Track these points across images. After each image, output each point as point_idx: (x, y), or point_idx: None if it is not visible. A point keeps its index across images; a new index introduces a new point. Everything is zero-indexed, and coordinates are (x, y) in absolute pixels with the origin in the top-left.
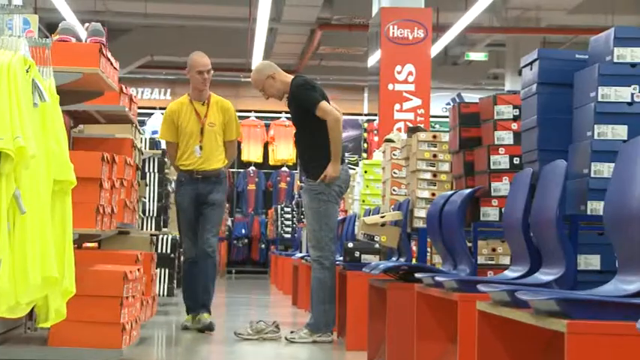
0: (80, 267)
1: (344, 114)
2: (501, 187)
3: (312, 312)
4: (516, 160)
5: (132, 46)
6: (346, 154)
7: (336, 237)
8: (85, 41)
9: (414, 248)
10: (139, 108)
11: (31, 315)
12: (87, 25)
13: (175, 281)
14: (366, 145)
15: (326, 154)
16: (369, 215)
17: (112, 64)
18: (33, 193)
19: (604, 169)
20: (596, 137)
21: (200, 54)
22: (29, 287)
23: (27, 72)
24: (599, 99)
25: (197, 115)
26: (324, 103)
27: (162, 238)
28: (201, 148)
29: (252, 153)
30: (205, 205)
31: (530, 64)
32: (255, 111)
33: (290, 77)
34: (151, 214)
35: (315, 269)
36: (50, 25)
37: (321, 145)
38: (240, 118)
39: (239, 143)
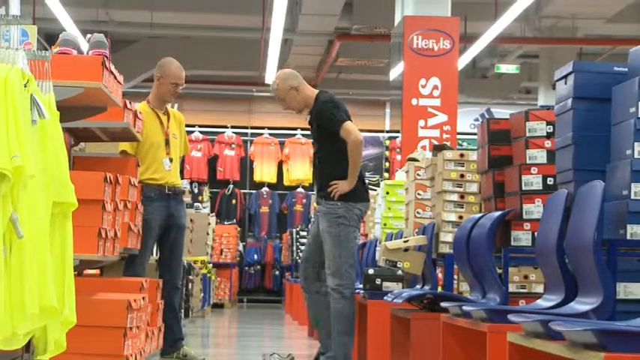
0: (81, 295)
1: (364, 130)
2: (534, 209)
3: (332, 344)
4: (550, 181)
5: (137, 58)
6: (366, 174)
7: (357, 263)
8: (87, 53)
9: (440, 275)
10: None
11: (28, 347)
12: (89, 36)
13: (183, 310)
14: (387, 164)
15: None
16: (391, 240)
17: (115, 77)
18: (31, 216)
19: None
20: (636, 156)
21: (179, 65)
22: (27, 317)
23: (25, 87)
24: None
25: (161, 124)
26: (348, 123)
27: None
28: (170, 160)
29: (265, 173)
30: (174, 229)
31: (565, 77)
32: (269, 128)
33: (314, 92)
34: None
35: (335, 299)
36: (50, 36)
37: (344, 167)
38: (253, 135)
39: (251, 162)
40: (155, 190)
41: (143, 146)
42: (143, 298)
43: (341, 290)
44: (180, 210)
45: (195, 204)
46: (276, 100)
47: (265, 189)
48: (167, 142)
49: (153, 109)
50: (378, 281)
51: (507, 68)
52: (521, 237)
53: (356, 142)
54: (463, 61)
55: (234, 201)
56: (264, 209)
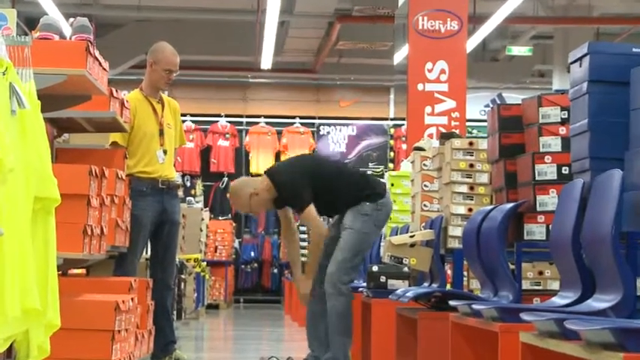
0: (66, 297)
1: (367, 118)
2: (548, 200)
3: (330, 345)
4: (565, 170)
5: (123, 43)
6: (370, 165)
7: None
8: (70, 38)
9: (449, 272)
10: None
11: (10, 352)
12: (72, 20)
13: (175, 312)
14: (392, 154)
15: (350, 190)
16: (396, 235)
17: (100, 64)
18: (11, 212)
19: None
20: None
21: (172, 50)
22: (8, 320)
23: (3, 75)
24: None
25: (155, 113)
26: (310, 210)
27: None
28: (165, 152)
29: (261, 164)
30: (167, 225)
31: (580, 59)
32: (265, 116)
33: (266, 179)
34: None
35: (330, 294)
36: (30, 21)
37: (341, 190)
38: (249, 124)
39: (247, 153)
40: (147, 184)
41: (135, 137)
42: (132, 299)
43: (338, 285)
44: (174, 205)
45: (188, 198)
46: (252, 213)
47: None
48: (161, 133)
49: (146, 97)
50: (382, 279)
51: (519, 50)
52: (535, 230)
53: (319, 235)
54: (472, 43)
55: (228, 195)
56: None
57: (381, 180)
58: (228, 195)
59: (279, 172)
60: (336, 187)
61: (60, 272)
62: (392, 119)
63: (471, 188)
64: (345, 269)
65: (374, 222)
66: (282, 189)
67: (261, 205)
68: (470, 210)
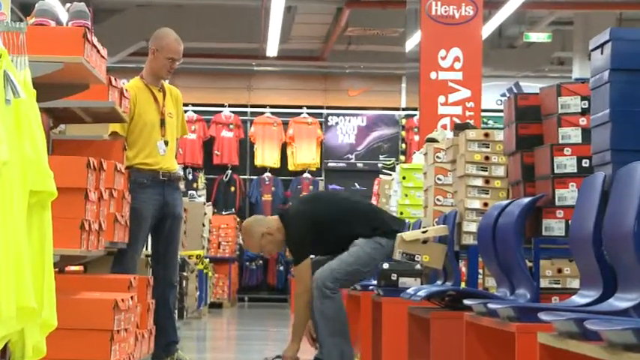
0: (62, 295)
1: (377, 108)
2: (567, 194)
3: (321, 346)
4: (585, 163)
5: (122, 29)
6: (381, 157)
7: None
8: (67, 24)
9: (463, 269)
10: None
11: (4, 352)
12: (68, 5)
13: (177, 311)
14: (404, 145)
15: (365, 226)
16: (408, 230)
17: (98, 51)
18: (5, 206)
19: None
20: None
21: (176, 37)
22: (2, 320)
23: None
24: None
25: (156, 102)
26: (305, 268)
27: None
28: (166, 143)
29: (267, 156)
30: (169, 219)
31: (601, 46)
32: (271, 106)
33: (277, 220)
34: None
35: (316, 297)
36: (25, 6)
37: (354, 226)
38: (253, 114)
39: (251, 144)
40: (148, 176)
41: (135, 127)
42: (132, 298)
43: (322, 289)
44: (175, 198)
45: (190, 192)
46: (264, 254)
47: (267, 174)
48: (162, 123)
49: (147, 85)
50: (393, 277)
51: (538, 37)
52: (554, 226)
53: (303, 298)
54: (488, 29)
55: (232, 188)
56: (267, 197)
57: (392, 172)
58: (240, 237)
59: (291, 217)
60: (349, 222)
61: (56, 269)
62: (403, 109)
63: (487, 182)
64: (334, 277)
65: (385, 252)
66: (289, 236)
67: (272, 245)
68: (485, 204)
